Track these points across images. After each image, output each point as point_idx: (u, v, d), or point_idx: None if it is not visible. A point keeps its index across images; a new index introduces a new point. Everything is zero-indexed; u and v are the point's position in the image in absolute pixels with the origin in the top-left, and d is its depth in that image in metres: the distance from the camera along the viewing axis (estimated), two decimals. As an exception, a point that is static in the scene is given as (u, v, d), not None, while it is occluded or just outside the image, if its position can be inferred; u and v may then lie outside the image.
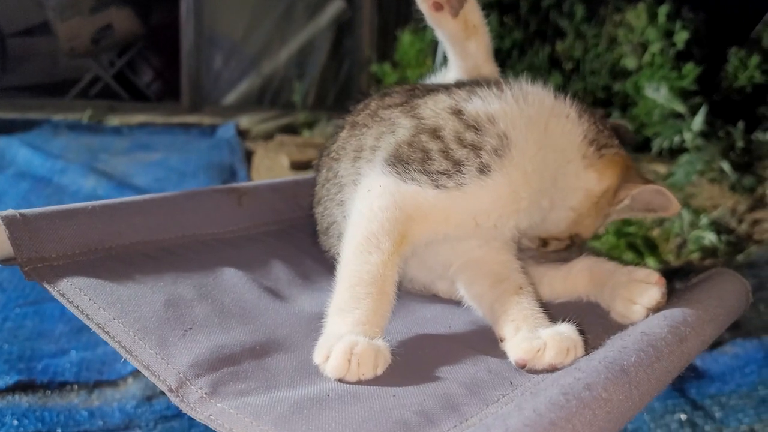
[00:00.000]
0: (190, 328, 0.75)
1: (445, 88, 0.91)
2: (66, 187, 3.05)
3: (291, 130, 4.30)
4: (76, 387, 1.69)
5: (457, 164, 0.81)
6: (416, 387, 0.66)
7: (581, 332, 0.72)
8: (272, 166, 3.68)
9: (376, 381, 0.68)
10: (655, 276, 0.87)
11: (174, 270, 0.87)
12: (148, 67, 5.25)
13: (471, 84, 0.91)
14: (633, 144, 0.98)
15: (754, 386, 1.79)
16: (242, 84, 4.82)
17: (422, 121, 0.85)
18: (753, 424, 1.66)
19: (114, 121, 4.18)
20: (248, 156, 3.77)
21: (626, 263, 0.93)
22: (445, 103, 0.86)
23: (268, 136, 4.17)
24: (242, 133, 4.13)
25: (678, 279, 2.53)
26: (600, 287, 0.91)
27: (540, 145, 0.85)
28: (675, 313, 0.74)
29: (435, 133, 0.83)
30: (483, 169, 0.81)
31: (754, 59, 3.23)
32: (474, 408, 0.63)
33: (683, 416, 1.68)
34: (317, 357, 0.72)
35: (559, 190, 0.90)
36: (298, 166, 3.56)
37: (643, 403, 0.61)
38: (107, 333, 0.71)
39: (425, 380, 0.68)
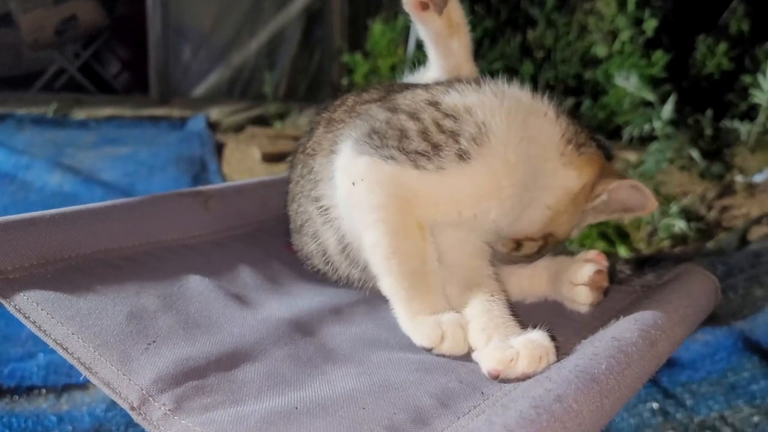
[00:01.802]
0: (154, 341, 0.73)
1: (423, 85, 0.92)
2: (31, 183, 2.98)
3: (262, 121, 4.25)
4: (44, 391, 1.65)
5: (436, 147, 0.80)
6: (386, 399, 0.65)
7: (552, 338, 0.72)
8: (243, 159, 3.64)
9: (346, 392, 0.67)
10: (592, 253, 0.89)
11: (137, 279, 0.85)
12: (114, 59, 5.14)
13: (449, 81, 0.91)
14: (612, 158, 0.99)
15: (723, 373, 1.81)
16: (212, 75, 4.75)
17: (399, 107, 0.85)
18: (723, 410, 1.68)
19: (80, 114, 4.09)
20: (219, 149, 3.73)
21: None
22: (423, 96, 0.86)
23: (238, 128, 4.12)
24: (212, 126, 4.07)
25: (649, 267, 2.56)
26: (556, 282, 0.92)
27: (520, 137, 0.85)
28: (645, 316, 0.74)
29: (414, 115, 0.83)
30: (462, 156, 0.80)
31: (722, 46, 3.27)
32: (444, 421, 0.62)
33: (655, 405, 1.70)
34: (427, 342, 0.76)
35: (538, 187, 0.89)
36: (269, 158, 3.53)
37: (614, 411, 0.61)
38: (65, 349, 0.69)
39: (396, 390, 0.67)
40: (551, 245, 0.94)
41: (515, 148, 0.84)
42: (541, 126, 0.89)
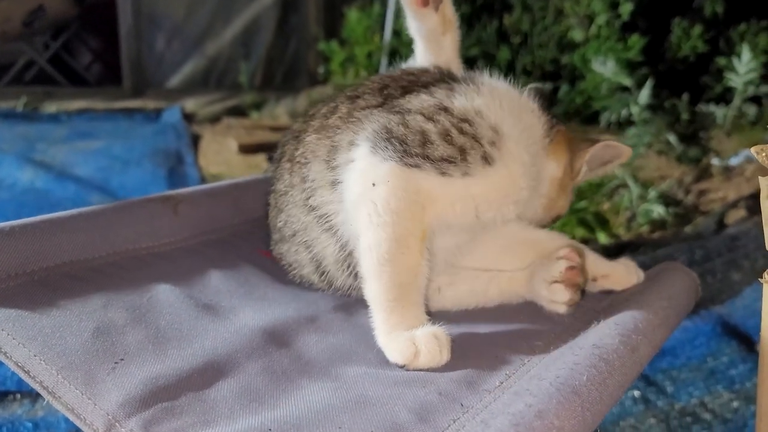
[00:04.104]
0: (122, 359, 0.70)
1: (422, 86, 0.89)
2: (1, 180, 2.91)
3: (238, 111, 4.20)
4: (18, 396, 1.61)
5: (462, 151, 0.80)
6: (363, 416, 0.63)
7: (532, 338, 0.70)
8: (220, 150, 3.60)
9: (322, 409, 0.65)
10: (564, 251, 0.88)
11: (104, 292, 0.81)
12: (85, 50, 5.03)
13: (448, 85, 0.89)
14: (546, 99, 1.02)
15: (703, 358, 1.82)
16: (186, 66, 4.68)
17: (411, 110, 0.84)
18: (703, 396, 1.69)
19: (51, 107, 4.01)
20: (195, 141, 3.67)
21: (578, 239, 0.94)
22: (430, 102, 0.85)
23: (215, 119, 4.07)
24: (188, 117, 4.01)
25: (629, 253, 2.56)
26: (533, 283, 0.91)
27: (527, 136, 0.86)
28: (626, 321, 0.73)
29: (429, 117, 0.82)
30: (487, 159, 0.80)
31: (697, 29, 3.28)
32: (423, 438, 0.60)
33: (637, 393, 1.70)
34: (400, 358, 0.74)
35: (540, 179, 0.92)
36: (246, 149, 3.49)
37: (596, 423, 0.59)
38: (27, 373, 0.65)
39: (373, 406, 0.65)
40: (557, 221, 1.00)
41: (526, 148, 0.85)
42: (532, 122, 0.91)
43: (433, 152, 0.79)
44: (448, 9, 1.00)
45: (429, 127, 0.81)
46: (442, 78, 0.91)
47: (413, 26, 1.01)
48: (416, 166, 0.78)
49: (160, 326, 0.78)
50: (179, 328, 0.79)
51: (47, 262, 0.83)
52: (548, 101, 1.00)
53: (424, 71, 0.95)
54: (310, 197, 0.88)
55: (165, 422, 0.62)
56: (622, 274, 0.94)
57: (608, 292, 0.93)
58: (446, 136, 0.80)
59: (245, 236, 1.06)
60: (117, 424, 0.61)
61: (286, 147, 0.96)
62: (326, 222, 0.87)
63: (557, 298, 0.87)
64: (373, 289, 0.79)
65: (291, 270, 0.96)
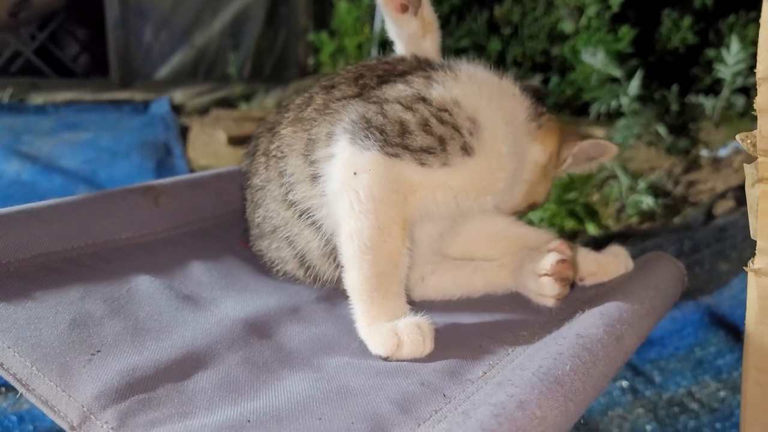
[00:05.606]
0: (98, 351, 0.69)
1: (398, 75, 0.88)
2: (-13, 173, 2.89)
3: (227, 103, 4.18)
4: (3, 390, 1.59)
5: (441, 141, 0.79)
6: (344, 407, 0.62)
7: (516, 328, 0.70)
8: (209, 142, 3.57)
9: (302, 401, 0.64)
10: (556, 243, 0.88)
11: (82, 283, 0.80)
12: (72, 40, 4.98)
13: (426, 73, 0.88)
14: (545, 99, 1.01)
15: (690, 348, 1.83)
16: (175, 57, 4.64)
17: (389, 100, 0.83)
18: (690, 386, 1.69)
19: (37, 99, 3.98)
20: (184, 132, 3.65)
21: (567, 230, 0.93)
22: (408, 92, 0.84)
23: (203, 111, 4.05)
24: (176, 109, 3.99)
25: (619, 243, 2.56)
26: (520, 275, 0.90)
27: (505, 125, 0.86)
28: (611, 310, 0.72)
29: (408, 106, 0.81)
30: (466, 149, 0.80)
31: (687, 20, 3.27)
32: (404, 429, 0.59)
33: (625, 383, 1.70)
34: (382, 350, 0.73)
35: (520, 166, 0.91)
36: (235, 141, 3.47)
37: (579, 413, 0.59)
38: (1, 365, 0.64)
39: (354, 397, 0.64)
40: (533, 209, 1.00)
41: (503, 138, 0.84)
42: (512, 107, 0.90)
43: (412, 142, 0.79)
44: (428, 12, 0.99)
45: (407, 117, 0.80)
46: (419, 66, 0.91)
47: (393, 30, 1.01)
48: (396, 155, 0.78)
49: (139, 318, 0.77)
50: (158, 320, 0.77)
51: (23, 254, 0.81)
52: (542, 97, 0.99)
53: (401, 60, 0.94)
54: (289, 192, 0.87)
55: (141, 414, 0.61)
56: (611, 265, 0.93)
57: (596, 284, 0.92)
58: (425, 126, 0.79)
59: (228, 227, 1.04)
60: (92, 416, 0.60)
61: (260, 140, 0.94)
62: (309, 217, 0.86)
63: (546, 292, 0.85)
64: (353, 279, 0.78)
65: (273, 267, 0.95)
